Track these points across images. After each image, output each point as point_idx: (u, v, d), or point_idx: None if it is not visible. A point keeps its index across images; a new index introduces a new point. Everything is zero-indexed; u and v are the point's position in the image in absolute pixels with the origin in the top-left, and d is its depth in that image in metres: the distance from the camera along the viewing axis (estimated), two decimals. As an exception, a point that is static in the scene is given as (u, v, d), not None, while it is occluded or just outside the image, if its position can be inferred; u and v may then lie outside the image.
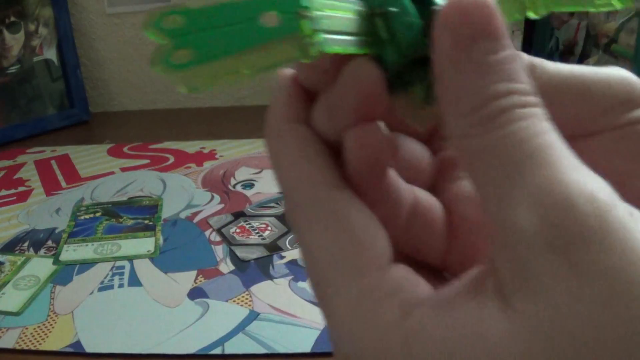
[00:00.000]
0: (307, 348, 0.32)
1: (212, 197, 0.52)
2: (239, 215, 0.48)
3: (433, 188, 0.19)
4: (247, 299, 0.36)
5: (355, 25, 0.16)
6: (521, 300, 0.12)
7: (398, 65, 0.16)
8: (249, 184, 0.54)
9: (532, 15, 0.18)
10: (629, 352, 0.11)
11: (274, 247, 0.42)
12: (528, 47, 0.71)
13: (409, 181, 0.18)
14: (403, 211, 0.18)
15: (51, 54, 0.76)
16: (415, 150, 0.19)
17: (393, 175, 0.18)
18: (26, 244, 0.45)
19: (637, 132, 0.18)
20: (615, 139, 0.18)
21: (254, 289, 0.37)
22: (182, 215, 0.48)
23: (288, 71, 0.18)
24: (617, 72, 0.18)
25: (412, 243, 0.18)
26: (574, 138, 0.17)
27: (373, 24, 0.16)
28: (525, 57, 0.17)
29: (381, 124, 0.16)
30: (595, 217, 0.12)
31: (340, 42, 0.15)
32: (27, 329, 0.34)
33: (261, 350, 0.32)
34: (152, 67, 0.13)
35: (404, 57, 0.16)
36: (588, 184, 0.13)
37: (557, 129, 0.15)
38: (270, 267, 0.40)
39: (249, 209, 0.49)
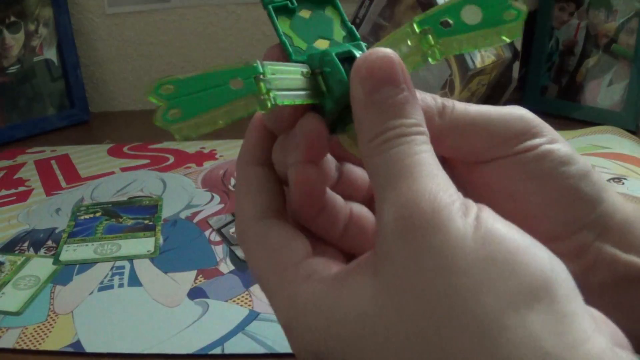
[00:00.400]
0: (307, 348, 0.32)
1: (212, 197, 0.52)
2: (239, 215, 0.48)
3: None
4: (247, 298, 0.36)
5: (302, 83, 0.21)
6: (384, 272, 0.18)
7: (336, 111, 0.21)
8: (249, 184, 0.54)
9: (432, 61, 0.23)
10: (440, 304, 0.16)
11: (274, 247, 0.42)
12: (528, 47, 0.71)
13: (350, 198, 0.24)
14: (340, 222, 0.23)
15: (51, 54, 0.76)
16: (355, 173, 0.25)
17: (331, 195, 0.24)
18: (26, 244, 0.45)
19: (524, 159, 0.24)
20: (508, 164, 0.24)
21: (254, 288, 0.37)
22: (182, 215, 0.48)
23: (257, 117, 0.24)
24: (516, 111, 0.25)
25: (350, 245, 0.24)
26: (480, 163, 0.24)
27: (316, 81, 0.21)
28: (438, 99, 0.23)
29: (322, 162, 0.22)
30: (431, 212, 0.17)
31: (289, 97, 0.20)
32: (27, 329, 0.34)
33: (261, 350, 0.32)
34: (155, 122, 0.19)
35: (338, 104, 0.21)
36: (434, 189, 0.18)
37: (448, 152, 0.24)
38: (270, 267, 0.40)
39: (249, 209, 0.49)
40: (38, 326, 0.34)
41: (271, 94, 0.20)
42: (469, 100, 0.60)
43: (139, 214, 0.49)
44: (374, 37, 0.63)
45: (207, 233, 0.45)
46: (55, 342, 0.33)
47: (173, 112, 0.20)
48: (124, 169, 0.60)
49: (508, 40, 0.23)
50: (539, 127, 0.25)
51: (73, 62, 0.78)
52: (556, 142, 0.25)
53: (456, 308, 0.16)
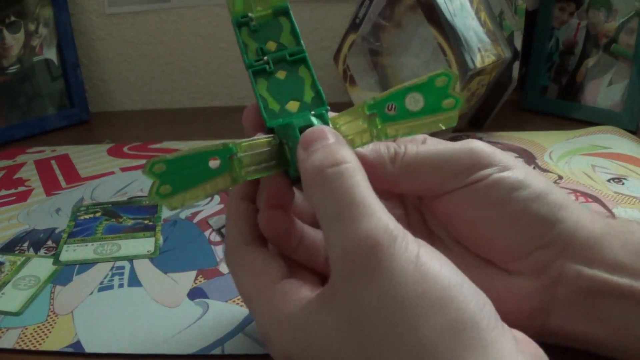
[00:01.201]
0: (307, 348, 0.32)
1: (212, 197, 0.52)
2: (239, 215, 0.48)
3: None
4: (247, 299, 0.36)
5: (271, 154, 0.25)
6: (337, 306, 0.21)
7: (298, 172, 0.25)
8: (249, 184, 0.54)
9: (383, 138, 0.26)
10: (385, 336, 0.20)
11: (274, 247, 0.42)
12: (528, 47, 0.71)
13: (307, 223, 0.28)
14: (319, 253, 0.28)
15: (51, 53, 0.76)
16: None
17: (311, 230, 0.28)
18: (26, 244, 0.45)
19: (476, 189, 0.26)
20: (462, 195, 0.26)
21: (254, 289, 0.37)
22: (182, 216, 0.48)
23: None
24: (466, 145, 0.27)
25: (304, 259, 0.28)
26: (436, 197, 0.27)
27: (282, 149, 0.25)
28: (391, 147, 0.27)
29: (290, 208, 0.27)
30: (374, 253, 0.20)
31: (258, 171, 0.25)
32: (27, 329, 0.34)
33: (261, 350, 0.32)
34: (149, 196, 0.24)
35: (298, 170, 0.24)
36: (374, 227, 0.21)
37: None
38: (270, 267, 0.40)
39: (249, 209, 0.49)
40: (38, 326, 0.34)
41: (242, 171, 0.25)
42: (469, 100, 0.60)
43: (139, 214, 0.49)
44: (374, 37, 0.63)
45: (207, 233, 0.45)
46: (55, 342, 0.33)
47: (164, 188, 0.24)
48: (124, 169, 0.60)
49: (444, 128, 0.26)
50: (490, 157, 0.26)
51: (73, 62, 0.78)
52: (507, 169, 0.26)
53: (398, 339, 0.19)
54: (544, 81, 0.71)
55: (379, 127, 0.26)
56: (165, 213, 0.49)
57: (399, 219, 0.27)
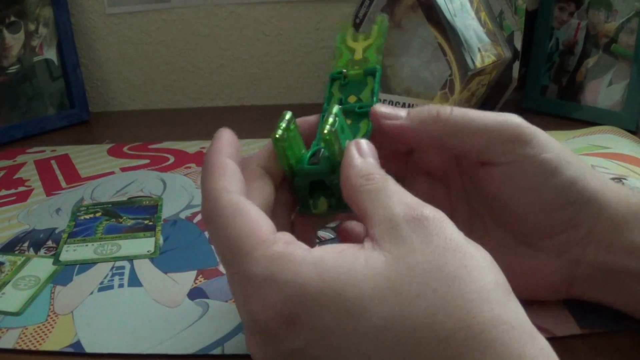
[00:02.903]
0: (307, 348, 0.32)
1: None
2: (239, 215, 0.48)
3: None
4: (247, 299, 0.36)
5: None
6: (388, 246, 0.22)
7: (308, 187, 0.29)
8: (249, 184, 0.54)
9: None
10: (449, 271, 0.21)
11: (274, 247, 0.42)
12: (528, 47, 0.71)
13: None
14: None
15: (51, 53, 0.76)
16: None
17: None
18: (26, 244, 0.45)
19: (515, 169, 0.28)
20: (502, 172, 0.28)
21: (254, 289, 0.37)
22: (182, 216, 0.48)
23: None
24: (511, 118, 0.28)
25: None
26: (482, 164, 0.29)
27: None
28: (433, 108, 0.29)
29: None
30: (430, 213, 0.23)
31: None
32: (27, 329, 0.34)
33: (261, 350, 0.32)
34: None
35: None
36: (416, 201, 0.24)
37: (460, 160, 0.31)
38: (270, 267, 0.40)
39: (249, 209, 0.49)
40: (38, 326, 0.34)
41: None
42: (469, 100, 0.60)
43: (139, 214, 0.49)
44: (374, 37, 0.63)
45: (207, 233, 0.45)
46: (55, 342, 0.33)
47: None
48: (124, 169, 0.60)
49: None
50: (532, 135, 0.28)
51: (73, 62, 0.78)
52: (546, 152, 0.28)
53: (462, 277, 0.21)
54: (544, 81, 0.71)
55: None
56: (165, 213, 0.49)
57: (442, 198, 0.32)
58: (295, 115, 0.29)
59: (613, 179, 0.49)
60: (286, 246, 0.23)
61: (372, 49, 0.33)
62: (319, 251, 0.23)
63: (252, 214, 0.24)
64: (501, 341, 0.20)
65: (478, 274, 0.21)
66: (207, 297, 0.37)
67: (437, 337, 0.20)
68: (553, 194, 0.28)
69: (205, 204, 0.25)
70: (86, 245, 0.44)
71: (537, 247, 0.30)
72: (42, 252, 0.44)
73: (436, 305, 0.21)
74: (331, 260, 0.22)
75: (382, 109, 0.29)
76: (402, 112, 0.29)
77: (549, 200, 0.28)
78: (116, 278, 0.39)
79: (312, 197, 0.29)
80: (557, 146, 0.28)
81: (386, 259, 0.22)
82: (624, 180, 0.48)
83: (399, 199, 0.24)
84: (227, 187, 0.25)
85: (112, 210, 0.50)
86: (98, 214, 0.49)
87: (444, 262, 0.21)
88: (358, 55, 0.33)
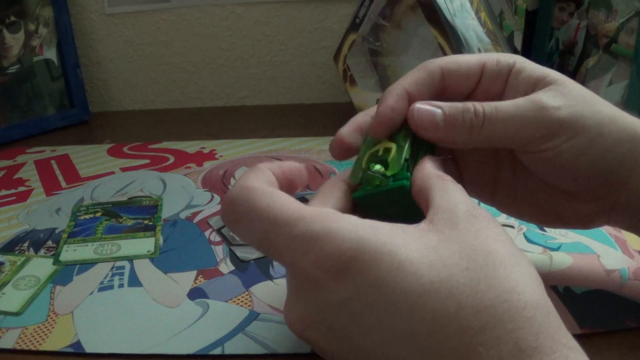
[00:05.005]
0: (307, 348, 0.32)
1: (212, 197, 0.52)
2: (239, 215, 0.48)
3: None
4: (247, 299, 0.36)
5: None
6: (443, 229, 0.24)
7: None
8: (249, 184, 0.54)
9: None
10: (482, 258, 0.23)
11: (274, 247, 0.42)
12: (528, 47, 0.71)
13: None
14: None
15: (51, 53, 0.76)
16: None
17: None
18: (26, 244, 0.45)
19: (554, 152, 0.30)
20: (542, 156, 0.30)
21: (254, 289, 0.37)
22: (182, 216, 0.48)
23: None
24: (537, 113, 0.29)
25: None
26: (527, 152, 0.31)
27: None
28: (464, 117, 0.30)
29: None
30: (483, 211, 0.25)
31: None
32: (27, 329, 0.34)
33: (261, 350, 0.32)
34: None
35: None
36: (463, 200, 0.26)
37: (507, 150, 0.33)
38: (270, 268, 0.40)
39: (249, 209, 0.49)
40: (38, 326, 0.34)
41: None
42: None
43: (139, 214, 0.49)
44: (374, 37, 0.63)
45: (207, 233, 0.45)
46: (55, 342, 0.33)
47: None
48: (124, 169, 0.60)
49: None
50: (559, 124, 0.29)
51: (73, 62, 0.78)
52: (576, 135, 0.29)
53: (509, 262, 0.23)
54: (544, 81, 0.71)
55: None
56: (165, 213, 0.49)
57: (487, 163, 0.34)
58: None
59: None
60: (338, 212, 0.25)
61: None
62: (373, 221, 0.25)
63: (283, 199, 0.26)
64: (540, 321, 0.21)
65: (525, 263, 0.23)
66: (207, 297, 0.37)
67: (481, 304, 0.21)
68: (586, 167, 0.30)
69: (237, 191, 0.27)
70: (86, 245, 0.44)
71: (573, 198, 0.32)
72: (42, 252, 0.44)
73: (481, 279, 0.22)
74: (387, 227, 0.24)
75: (417, 122, 0.30)
76: (440, 120, 0.30)
77: (583, 171, 0.30)
78: (116, 278, 0.39)
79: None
80: (590, 119, 0.30)
81: (439, 237, 0.24)
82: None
83: (463, 199, 0.26)
84: (259, 178, 0.28)
85: (112, 210, 0.50)
86: (98, 214, 0.49)
87: (494, 248, 0.23)
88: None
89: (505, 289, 0.22)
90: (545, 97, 0.30)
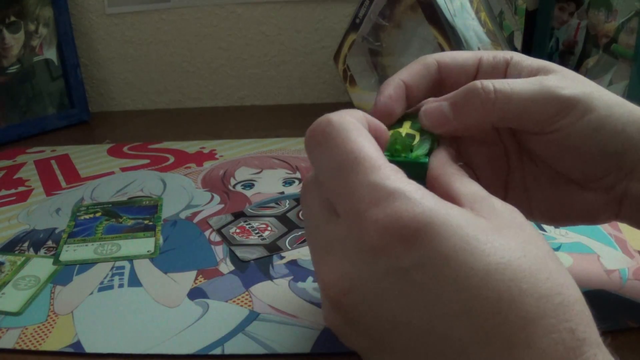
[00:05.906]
0: (307, 348, 0.32)
1: (212, 197, 0.52)
2: (239, 215, 0.48)
3: None
4: (247, 299, 0.36)
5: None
6: (488, 215, 0.24)
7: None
8: (249, 184, 0.54)
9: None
10: (535, 247, 0.23)
11: (273, 248, 0.42)
12: (528, 47, 0.71)
13: None
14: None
15: (51, 53, 0.76)
16: None
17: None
18: (26, 244, 0.45)
19: (565, 133, 0.30)
20: (552, 137, 0.30)
21: (254, 289, 0.37)
22: (182, 216, 0.48)
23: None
24: (547, 90, 0.29)
25: None
26: (539, 134, 0.31)
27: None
28: (475, 97, 0.29)
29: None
30: (483, 202, 0.25)
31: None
32: (27, 329, 0.34)
33: (261, 350, 0.32)
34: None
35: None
36: (474, 188, 0.26)
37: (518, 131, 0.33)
38: (270, 268, 0.40)
39: (248, 209, 0.49)
40: (38, 326, 0.34)
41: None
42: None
43: (139, 214, 0.49)
44: (374, 37, 0.63)
45: (207, 233, 0.45)
46: (55, 342, 0.33)
47: None
48: (124, 169, 0.60)
49: None
50: (570, 101, 0.29)
51: (73, 62, 0.78)
52: (587, 114, 0.29)
53: (555, 257, 0.24)
54: (544, 81, 0.71)
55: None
56: (165, 213, 0.49)
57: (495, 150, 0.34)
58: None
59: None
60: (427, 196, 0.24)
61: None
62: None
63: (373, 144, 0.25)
64: (588, 316, 0.22)
65: (561, 261, 0.24)
66: (207, 297, 0.37)
67: (539, 292, 0.21)
68: (597, 148, 0.30)
69: (334, 116, 0.26)
70: (86, 245, 0.44)
71: (583, 187, 0.32)
72: (42, 252, 0.44)
73: (539, 269, 0.22)
74: (450, 205, 0.24)
75: (429, 122, 0.30)
76: (448, 112, 0.29)
77: (593, 153, 0.30)
78: (116, 278, 0.39)
79: None
80: (598, 100, 0.30)
81: (490, 223, 0.23)
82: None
83: (481, 187, 0.26)
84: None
85: (112, 210, 0.50)
86: (98, 214, 0.49)
87: (541, 242, 0.24)
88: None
89: (558, 282, 0.22)
90: (551, 80, 0.29)
